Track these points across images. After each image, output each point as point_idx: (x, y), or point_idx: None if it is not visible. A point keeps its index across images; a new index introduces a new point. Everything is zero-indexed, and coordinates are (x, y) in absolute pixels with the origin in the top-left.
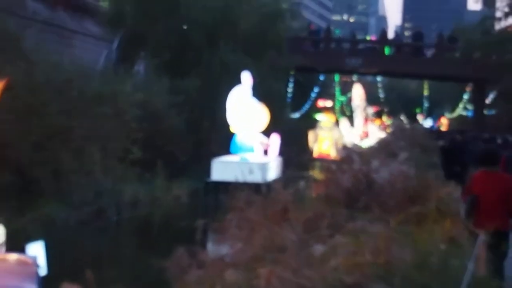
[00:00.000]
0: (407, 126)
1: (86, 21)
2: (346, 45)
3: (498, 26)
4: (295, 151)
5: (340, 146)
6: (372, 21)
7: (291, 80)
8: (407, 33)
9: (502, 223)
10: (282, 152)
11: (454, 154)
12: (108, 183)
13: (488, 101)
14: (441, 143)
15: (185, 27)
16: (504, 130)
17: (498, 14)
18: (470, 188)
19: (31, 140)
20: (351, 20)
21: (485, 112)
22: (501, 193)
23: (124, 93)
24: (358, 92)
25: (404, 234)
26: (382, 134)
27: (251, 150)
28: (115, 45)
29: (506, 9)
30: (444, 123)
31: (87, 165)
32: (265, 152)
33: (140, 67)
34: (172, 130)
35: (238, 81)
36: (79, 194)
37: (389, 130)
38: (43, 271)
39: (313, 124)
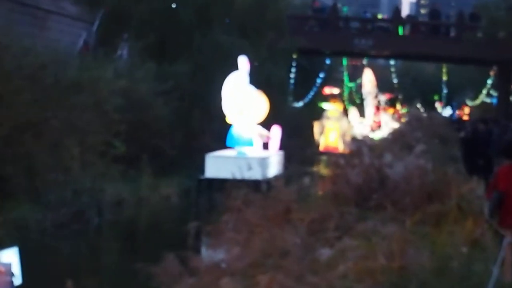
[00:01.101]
0: (424, 115)
1: (62, 0)
2: (355, 25)
3: None
4: (298, 144)
5: (349, 138)
6: None
7: (294, 64)
8: (423, 11)
9: None
10: (284, 146)
11: (476, 146)
12: (87, 181)
13: None
14: (462, 133)
15: (173, 6)
16: None
17: None
18: (495, 184)
19: (1, 134)
20: None
21: (511, 98)
22: None
23: (105, 80)
24: (368, 78)
25: (421, 235)
26: (396, 124)
27: (249, 143)
28: (94, 26)
29: None
30: (465, 111)
31: (64, 161)
32: (265, 145)
33: (123, 51)
34: (159, 121)
35: (234, 66)
36: (55, 193)
37: (403, 119)
38: (17, 280)
39: (319, 113)
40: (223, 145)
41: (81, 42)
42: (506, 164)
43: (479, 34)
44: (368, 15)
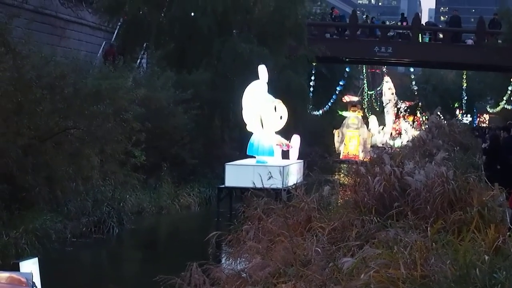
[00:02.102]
0: (444, 122)
1: (82, 9)
2: (375, 32)
3: None
4: (318, 152)
5: (369, 146)
6: (403, 4)
7: (313, 72)
8: (443, 18)
9: None
10: (304, 154)
11: (497, 154)
12: (108, 190)
13: None
14: (484, 144)
15: (192, 14)
16: None
17: None
18: None
19: (21, 143)
20: (380, 3)
21: None
22: None
23: (125, 89)
24: (388, 85)
25: (443, 244)
26: (417, 132)
27: (269, 152)
28: (114, 35)
29: None
30: (485, 118)
31: (84, 170)
32: (285, 154)
33: (142, 59)
34: (179, 129)
35: (253, 74)
36: (75, 203)
37: (424, 127)
38: None
39: (339, 121)
40: (243, 154)
41: (100, 51)
42: None
43: (500, 41)
44: (388, 22)
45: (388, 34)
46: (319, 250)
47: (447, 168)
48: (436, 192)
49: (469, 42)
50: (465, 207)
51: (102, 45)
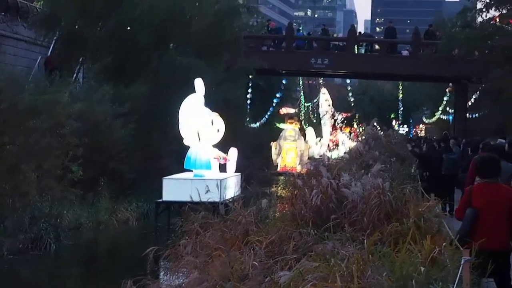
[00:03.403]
0: (382, 133)
1: (17, 24)
2: (311, 44)
3: (480, 18)
4: (256, 165)
5: (306, 158)
6: (339, 16)
7: (250, 85)
8: (378, 29)
9: (504, 242)
10: (241, 167)
11: (432, 164)
12: (45, 206)
13: (470, 102)
14: (418, 151)
15: (129, 28)
16: (491, 134)
17: (479, 5)
18: (468, 202)
19: None
20: (316, 15)
21: (467, 115)
22: (503, 208)
23: (61, 103)
24: (325, 97)
25: (380, 255)
26: (354, 143)
27: (206, 165)
28: (50, 50)
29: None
30: (422, 129)
31: (21, 186)
32: (222, 167)
33: (79, 73)
34: (117, 144)
35: (191, 87)
36: (12, 220)
37: (361, 138)
38: None
39: (276, 134)
40: (182, 167)
41: (36, 66)
42: (479, 182)
43: (436, 52)
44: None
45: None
46: (257, 264)
47: (383, 180)
48: (373, 204)
49: (405, 53)
50: (402, 218)
51: (38, 60)
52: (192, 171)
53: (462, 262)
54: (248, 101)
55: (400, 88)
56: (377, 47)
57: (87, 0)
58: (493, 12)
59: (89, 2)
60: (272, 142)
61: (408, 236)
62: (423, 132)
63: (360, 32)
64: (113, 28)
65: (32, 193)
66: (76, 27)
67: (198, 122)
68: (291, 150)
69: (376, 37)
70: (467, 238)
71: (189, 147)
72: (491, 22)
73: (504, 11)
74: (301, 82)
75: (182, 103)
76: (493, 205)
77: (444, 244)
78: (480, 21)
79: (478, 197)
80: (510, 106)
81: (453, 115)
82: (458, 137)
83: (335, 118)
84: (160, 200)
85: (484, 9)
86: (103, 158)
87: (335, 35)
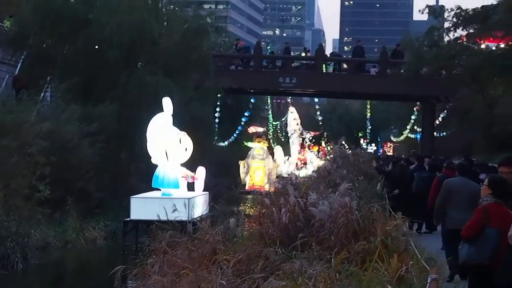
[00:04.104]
0: (350, 152)
1: None
2: (279, 63)
3: (447, 37)
4: (224, 183)
5: (274, 176)
6: (308, 35)
7: (219, 104)
8: (347, 48)
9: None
10: (209, 186)
11: (400, 183)
12: (12, 225)
13: (438, 121)
14: (386, 170)
15: (97, 47)
16: (458, 153)
17: (447, 24)
18: (484, 222)
19: None
20: (284, 34)
21: (435, 133)
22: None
23: (29, 122)
24: (293, 116)
25: (347, 274)
26: (322, 162)
27: (174, 184)
28: (17, 69)
29: (455, 19)
30: (390, 147)
31: None
32: (191, 186)
33: (47, 92)
34: (85, 163)
35: (159, 106)
36: None
37: (329, 157)
38: None
39: (244, 152)
40: (150, 186)
41: (3, 85)
42: (493, 202)
43: (403, 70)
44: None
45: (292, 64)
46: (224, 283)
47: (351, 198)
48: (340, 223)
49: (373, 72)
50: (369, 237)
51: (5, 79)
52: (160, 190)
53: (428, 281)
54: (217, 120)
55: (368, 107)
56: (345, 66)
57: (55, 19)
58: (460, 32)
59: (57, 22)
60: (240, 161)
61: (375, 254)
62: (391, 150)
63: (326, 55)
64: (81, 47)
65: None
66: (44, 46)
67: (166, 141)
68: (259, 168)
69: (344, 56)
70: (489, 262)
71: (157, 166)
72: (458, 41)
73: (471, 30)
74: (269, 101)
75: (150, 122)
76: (507, 226)
77: (411, 262)
78: (447, 40)
79: (496, 217)
80: (476, 125)
81: (420, 133)
82: (432, 156)
83: (303, 137)
84: (128, 219)
85: (451, 29)
86: (70, 177)
87: (303, 54)
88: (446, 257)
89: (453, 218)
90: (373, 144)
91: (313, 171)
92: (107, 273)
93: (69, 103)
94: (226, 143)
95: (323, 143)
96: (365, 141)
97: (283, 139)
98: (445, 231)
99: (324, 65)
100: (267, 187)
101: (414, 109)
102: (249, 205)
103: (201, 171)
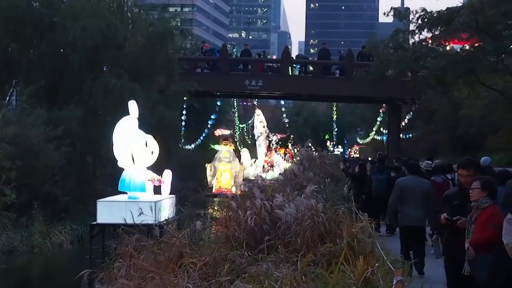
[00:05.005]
0: (316, 154)
1: None
2: (245, 65)
3: (412, 39)
4: (191, 187)
5: (241, 179)
6: (274, 38)
7: (185, 106)
8: (313, 51)
9: None
10: (176, 189)
11: (365, 185)
12: None
13: (404, 123)
14: (351, 172)
15: (61, 51)
16: (424, 154)
17: (412, 26)
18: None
19: None
20: (250, 37)
21: (401, 135)
22: None
23: None
24: (260, 118)
25: (314, 277)
26: (288, 164)
27: (141, 187)
28: None
29: (420, 21)
30: (357, 150)
31: None
32: (157, 189)
33: (12, 96)
34: (51, 167)
35: (125, 110)
36: None
37: (295, 159)
38: None
39: (211, 155)
40: (116, 190)
41: None
42: (492, 203)
43: (369, 73)
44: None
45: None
46: (191, 286)
47: (317, 201)
48: (306, 225)
49: (337, 73)
50: (335, 239)
51: None
52: (126, 193)
53: (394, 283)
54: (183, 123)
55: (334, 109)
56: (311, 68)
57: (19, 23)
58: (425, 34)
59: (21, 26)
60: (207, 164)
61: (341, 256)
62: (357, 152)
63: (292, 58)
64: (46, 51)
65: None
66: (9, 49)
67: (132, 145)
68: (226, 171)
69: (310, 58)
70: None
71: (123, 169)
72: (423, 44)
73: (436, 33)
74: (235, 104)
75: (116, 126)
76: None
77: (377, 264)
78: (412, 43)
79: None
80: (442, 126)
81: (387, 135)
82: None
83: (270, 139)
84: (95, 223)
85: (416, 31)
86: (36, 181)
87: (268, 57)
88: (400, 252)
89: (407, 215)
90: (340, 146)
91: (279, 174)
92: (73, 277)
93: (34, 107)
94: (192, 146)
95: (289, 146)
96: (332, 143)
97: (249, 142)
98: (400, 228)
99: (290, 67)
100: (233, 190)
101: (380, 111)
102: (215, 208)
103: (167, 174)
